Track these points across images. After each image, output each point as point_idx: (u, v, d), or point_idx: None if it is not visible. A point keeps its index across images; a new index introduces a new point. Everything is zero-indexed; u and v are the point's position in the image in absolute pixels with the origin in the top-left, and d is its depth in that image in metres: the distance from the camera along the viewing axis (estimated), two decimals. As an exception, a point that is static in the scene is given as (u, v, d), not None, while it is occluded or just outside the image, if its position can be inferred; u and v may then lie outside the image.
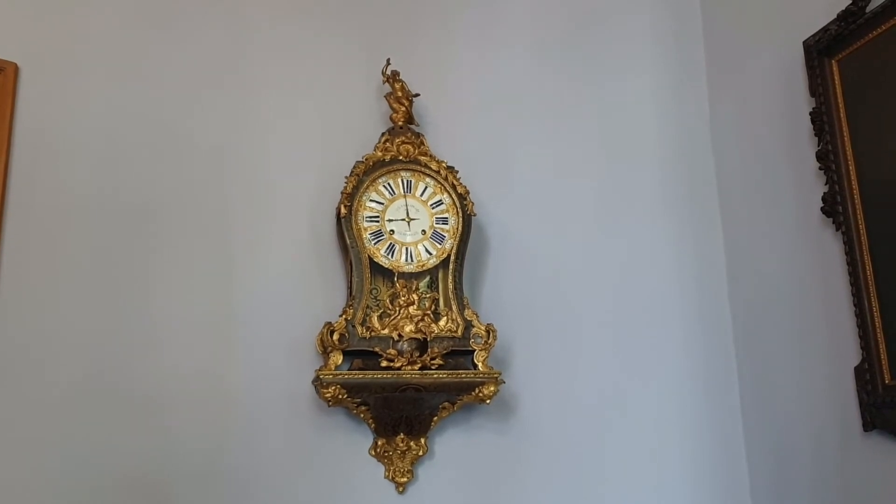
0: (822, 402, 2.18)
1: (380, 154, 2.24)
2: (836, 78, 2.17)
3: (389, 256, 2.16)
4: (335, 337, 2.05)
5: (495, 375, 2.10)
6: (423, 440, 2.19)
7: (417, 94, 2.34)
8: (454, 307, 2.15)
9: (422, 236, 2.20)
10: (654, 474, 2.35)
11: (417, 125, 2.33)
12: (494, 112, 2.50)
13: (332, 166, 2.25)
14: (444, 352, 2.09)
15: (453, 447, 2.23)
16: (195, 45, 2.29)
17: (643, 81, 2.66)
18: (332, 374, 2.02)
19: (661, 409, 2.40)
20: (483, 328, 2.13)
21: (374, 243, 2.16)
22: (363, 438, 2.17)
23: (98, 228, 2.10)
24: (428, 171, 2.25)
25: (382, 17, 2.48)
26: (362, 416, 2.15)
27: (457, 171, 2.27)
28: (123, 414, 2.01)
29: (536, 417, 2.30)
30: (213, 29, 2.32)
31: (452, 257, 2.19)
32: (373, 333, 2.09)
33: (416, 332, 2.09)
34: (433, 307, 2.15)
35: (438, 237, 2.21)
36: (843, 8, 2.12)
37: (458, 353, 2.13)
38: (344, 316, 2.08)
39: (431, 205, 2.23)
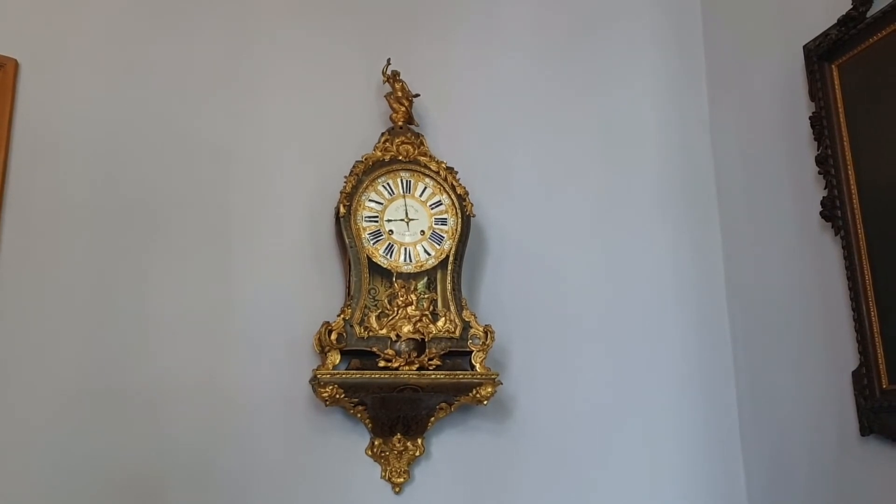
0: (819, 406, 2.18)
1: (379, 154, 2.24)
2: (836, 83, 2.17)
3: (388, 256, 2.16)
4: (333, 336, 2.04)
5: (493, 377, 2.10)
6: (419, 441, 2.19)
7: (417, 95, 2.33)
8: (452, 308, 2.15)
9: (420, 237, 2.20)
10: (650, 477, 2.35)
11: (417, 125, 2.33)
12: (494, 113, 2.50)
13: (331, 166, 2.25)
14: (442, 352, 2.09)
15: (450, 448, 2.23)
16: (196, 42, 2.29)
17: (643, 84, 2.66)
18: (329, 374, 2.02)
19: (658, 412, 2.40)
20: (481, 329, 2.13)
21: (373, 243, 2.16)
22: (360, 438, 2.17)
23: (96, 225, 2.10)
24: (427, 172, 2.25)
25: (383, 18, 2.47)
26: (359, 416, 2.15)
27: (456, 172, 2.27)
28: (120, 413, 2.01)
29: (533, 419, 2.30)
30: (214, 27, 2.32)
31: (451, 258, 2.19)
32: (371, 333, 2.09)
33: (414, 333, 2.09)
34: (431, 308, 2.15)
35: (437, 238, 2.21)
36: (844, 13, 2.12)
37: (456, 354, 2.13)
38: (342, 316, 2.08)
39: (430, 205, 2.23)
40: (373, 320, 2.10)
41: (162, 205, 2.16)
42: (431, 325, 2.11)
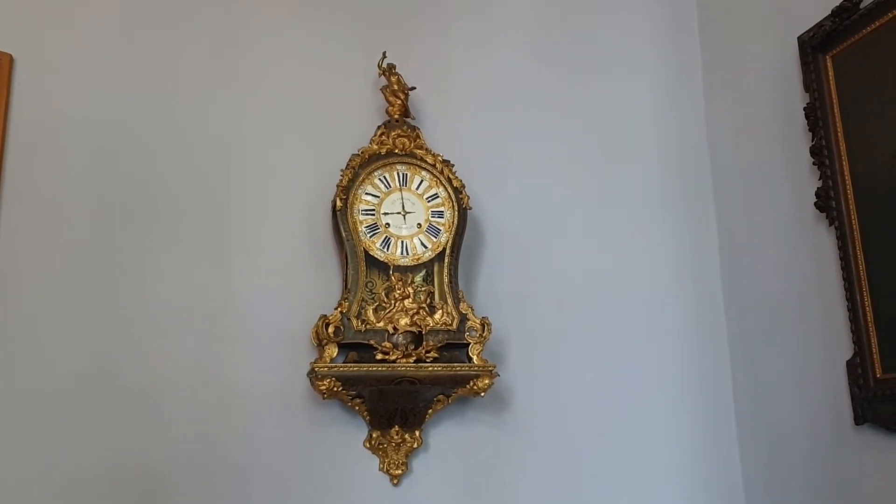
0: (814, 395, 2.20)
1: (376, 147, 2.24)
2: (831, 73, 2.18)
3: (385, 250, 2.17)
4: (330, 330, 2.05)
5: (490, 368, 2.11)
6: (417, 433, 2.19)
7: (413, 88, 2.33)
8: (449, 300, 2.16)
9: (417, 230, 2.20)
10: (647, 467, 2.36)
11: (413, 118, 2.33)
12: (491, 106, 2.50)
13: (328, 159, 2.25)
14: (439, 345, 2.10)
15: (448, 440, 2.23)
16: (192, 36, 2.29)
17: (639, 76, 2.66)
18: (327, 367, 2.02)
19: (655, 402, 2.41)
20: (478, 321, 2.14)
21: (370, 236, 2.16)
22: (358, 431, 2.18)
23: (94, 220, 2.10)
24: (424, 165, 2.25)
25: (379, 10, 2.47)
26: (357, 408, 2.15)
27: (452, 165, 2.27)
28: (119, 406, 2.01)
29: (530, 411, 2.31)
30: (211, 21, 2.31)
31: (448, 251, 2.19)
32: (368, 326, 2.09)
33: (411, 326, 2.10)
34: (428, 300, 2.15)
35: (434, 230, 2.21)
36: (838, 3, 2.13)
37: (453, 347, 2.13)
38: (339, 309, 2.09)
39: (427, 198, 2.24)
40: (370, 313, 2.11)
41: (159, 199, 2.16)
42: (428, 318, 2.12)
